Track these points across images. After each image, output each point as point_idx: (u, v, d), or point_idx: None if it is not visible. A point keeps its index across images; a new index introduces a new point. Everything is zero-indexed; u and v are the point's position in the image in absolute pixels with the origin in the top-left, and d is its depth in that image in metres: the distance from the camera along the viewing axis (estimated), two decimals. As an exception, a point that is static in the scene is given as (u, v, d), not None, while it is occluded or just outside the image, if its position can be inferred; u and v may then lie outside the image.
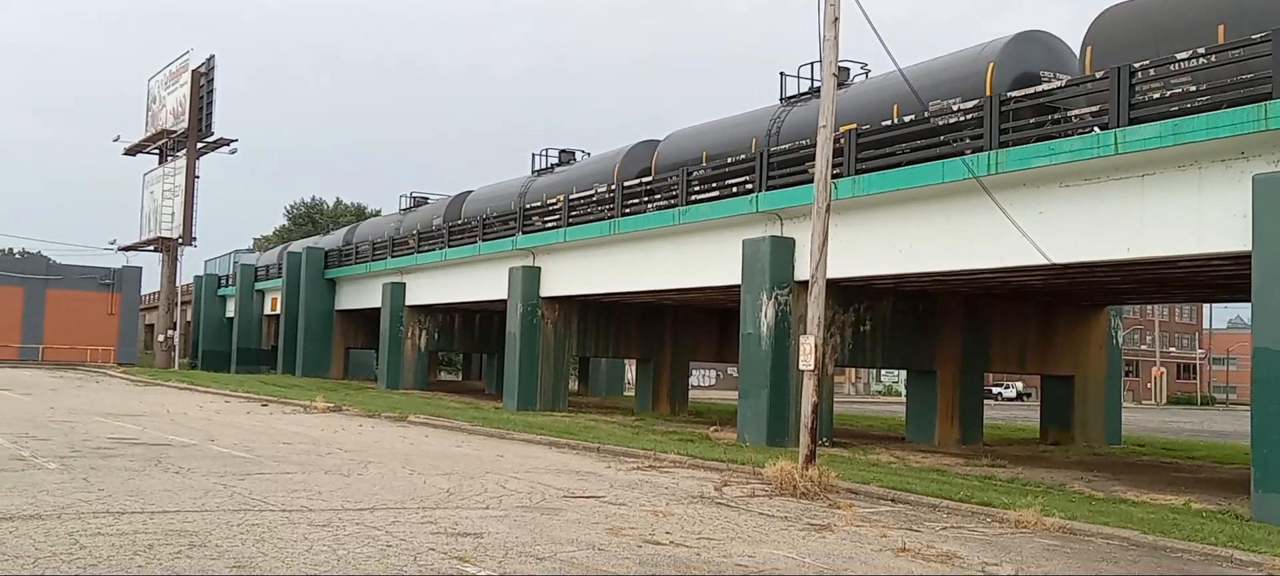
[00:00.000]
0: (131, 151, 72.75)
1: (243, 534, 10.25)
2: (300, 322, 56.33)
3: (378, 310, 50.45)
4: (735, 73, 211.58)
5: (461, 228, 42.38)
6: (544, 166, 41.02)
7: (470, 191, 46.07)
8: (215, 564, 8.83)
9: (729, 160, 27.14)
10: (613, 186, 31.90)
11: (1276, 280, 14.78)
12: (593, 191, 33.18)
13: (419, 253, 45.84)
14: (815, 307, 17.02)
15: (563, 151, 41.18)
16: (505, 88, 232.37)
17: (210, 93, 65.11)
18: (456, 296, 43.97)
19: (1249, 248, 15.24)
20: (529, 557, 9.79)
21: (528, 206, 37.33)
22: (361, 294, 53.61)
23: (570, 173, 38.03)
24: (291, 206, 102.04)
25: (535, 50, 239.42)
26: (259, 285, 66.36)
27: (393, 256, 48.79)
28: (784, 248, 24.76)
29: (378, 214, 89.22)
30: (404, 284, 48.22)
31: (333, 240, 59.98)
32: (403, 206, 53.52)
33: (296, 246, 62.94)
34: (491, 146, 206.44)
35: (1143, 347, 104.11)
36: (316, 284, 56.64)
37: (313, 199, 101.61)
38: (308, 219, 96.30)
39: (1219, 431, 43.90)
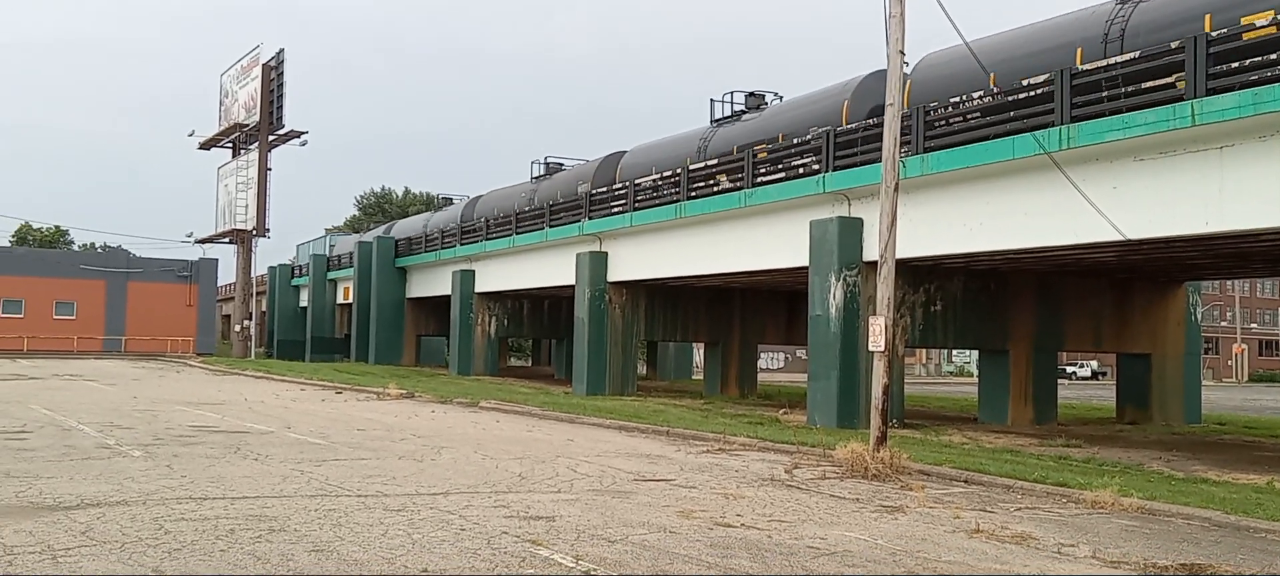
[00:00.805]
0: (206, 146, 74.26)
1: (320, 519, 10.45)
2: (372, 311, 57.12)
3: (448, 298, 50.99)
4: (801, 55, 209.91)
5: (530, 215, 42.63)
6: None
7: (624, 152, 42.48)
8: (294, 548, 9.02)
9: (796, 140, 27.00)
10: (678, 171, 31.89)
11: (1363, 252, 14.36)
12: (658, 176, 33.24)
13: (488, 239, 46.20)
14: (884, 288, 16.87)
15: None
16: (569, 70, 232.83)
17: (280, 86, 66.14)
18: (525, 282, 44.30)
19: (1334, 219, 14.83)
20: (601, 540, 9.86)
21: (594, 192, 37.48)
22: (431, 282, 54.21)
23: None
24: (362, 197, 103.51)
25: (598, 32, 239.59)
26: (331, 275, 67.37)
27: (462, 244, 49.24)
28: (852, 228, 24.57)
29: (450, 202, 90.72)
30: (473, 271, 48.66)
31: (449, 216, 57.00)
32: (535, 174, 50.00)
33: (409, 225, 62.43)
34: (558, 129, 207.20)
35: (1223, 324, 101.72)
36: (387, 272, 57.36)
37: (382, 188, 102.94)
38: (378, 209, 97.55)
39: (1304, 409, 42.79)
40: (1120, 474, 16.20)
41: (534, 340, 70.71)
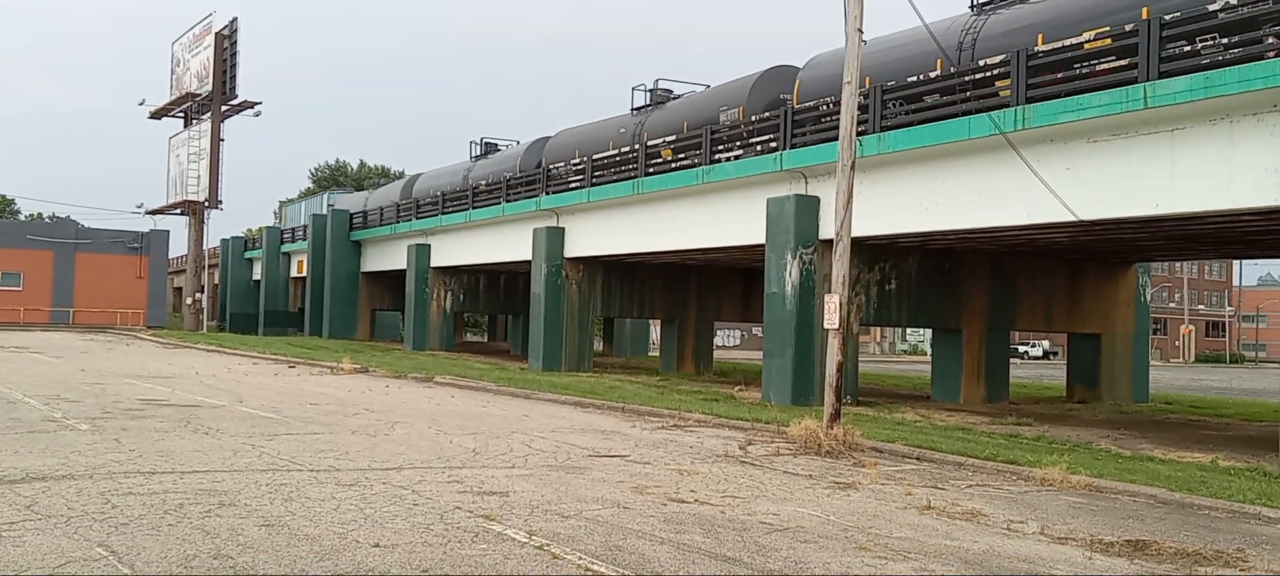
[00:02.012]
0: (157, 115, 73.10)
1: (272, 493, 10.35)
2: (326, 285, 56.64)
3: (403, 272, 50.65)
4: (760, 28, 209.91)
5: (486, 189, 42.44)
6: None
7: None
8: (244, 522, 8.93)
9: (754, 118, 27.02)
10: (636, 146, 31.84)
11: (1308, 235, 14.61)
12: (615, 151, 33.21)
13: (444, 214, 45.91)
14: (840, 266, 16.95)
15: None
16: (529, 46, 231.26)
17: (233, 55, 65.18)
18: (481, 258, 44.09)
19: (1280, 203, 15.07)
20: (554, 515, 9.85)
21: (552, 168, 37.38)
22: (387, 256, 53.82)
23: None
24: (316, 169, 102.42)
25: (560, 6, 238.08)
26: (285, 248, 66.68)
27: (418, 218, 48.92)
28: (808, 206, 24.65)
29: (403, 171, 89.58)
30: (429, 246, 48.36)
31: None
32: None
33: (353, 199, 62.12)
34: (516, 104, 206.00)
35: (1171, 305, 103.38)
36: (342, 246, 56.88)
37: (337, 161, 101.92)
38: (333, 181, 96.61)
39: (1248, 389, 43.64)
40: (1069, 452, 16.42)
41: (490, 316, 70.48)
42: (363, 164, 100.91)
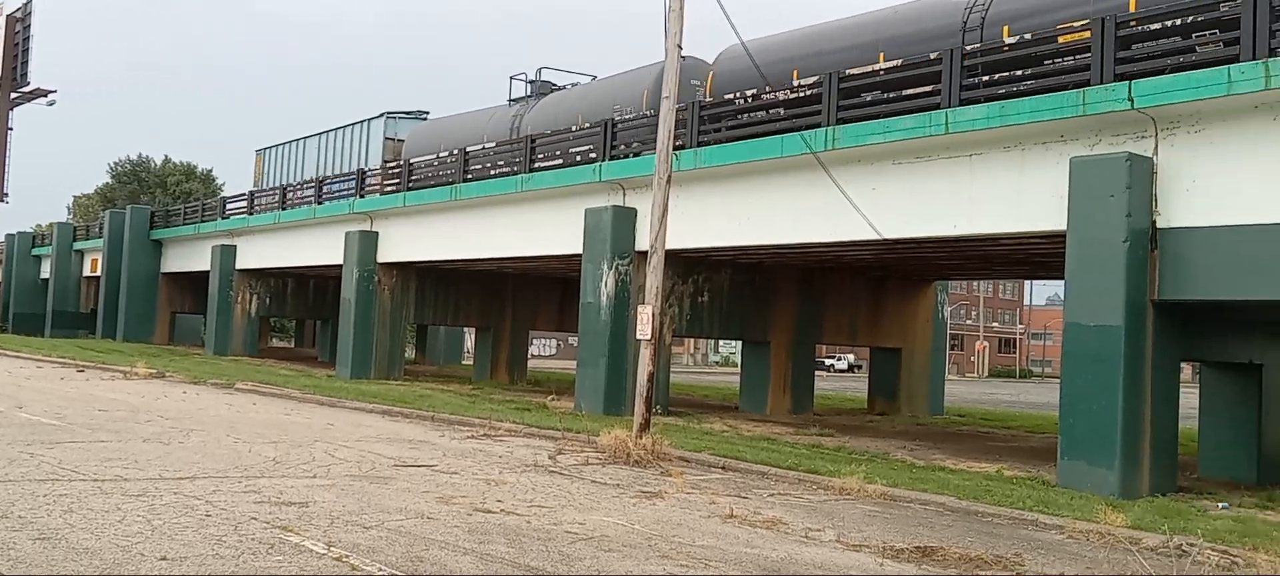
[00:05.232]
0: (-63, 99, 68.03)
1: (50, 505, 9.73)
2: (123, 285, 53.80)
3: (207, 273, 48.60)
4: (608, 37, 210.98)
5: (298, 188, 41.15)
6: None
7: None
8: (17, 536, 8.36)
9: (573, 129, 27.05)
10: (454, 152, 31.43)
11: (1087, 259, 15.56)
12: (434, 156, 32.68)
13: (252, 214, 44.30)
14: (654, 278, 17.13)
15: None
16: (354, 39, 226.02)
17: (26, 39, 61.19)
18: (291, 260, 42.67)
19: (1064, 227, 15.99)
20: (356, 526, 9.59)
21: (370, 171, 36.53)
22: (190, 256, 51.52)
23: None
24: (116, 163, 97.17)
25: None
26: (78, 245, 63.07)
27: (223, 218, 47.03)
28: (626, 217, 24.84)
29: (211, 170, 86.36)
30: (235, 247, 46.53)
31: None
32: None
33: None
34: (351, 101, 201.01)
35: (968, 322, 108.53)
36: (142, 245, 54.14)
37: (139, 156, 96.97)
38: (133, 177, 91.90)
39: (1033, 403, 46.18)
40: (867, 462, 17.02)
41: (299, 321, 68.31)
42: (167, 159, 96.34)
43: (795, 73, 21.74)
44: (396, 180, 33.93)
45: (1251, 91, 13.90)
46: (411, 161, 33.34)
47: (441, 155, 32.13)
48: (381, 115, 40.30)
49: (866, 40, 21.79)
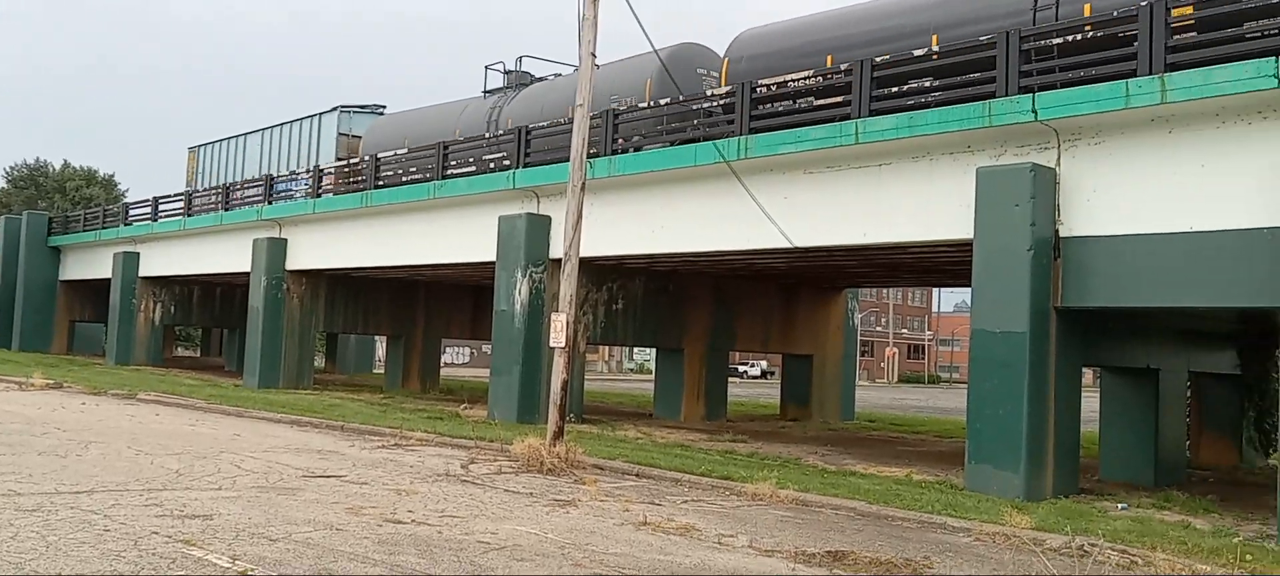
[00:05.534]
0: None
1: (-65, 520, 9.36)
2: (19, 293, 52.06)
3: (108, 281, 47.25)
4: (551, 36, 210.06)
5: (203, 195, 40.23)
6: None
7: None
8: (-101, 554, 8.02)
9: (486, 136, 26.87)
10: (367, 158, 30.98)
11: (993, 267, 15.90)
12: (345, 162, 32.18)
13: (155, 221, 43.19)
14: (568, 285, 17.08)
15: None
16: (273, 37, 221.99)
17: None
18: (197, 268, 41.66)
19: (971, 236, 16.31)
20: (262, 539, 9.38)
21: (277, 177, 35.84)
22: (90, 264, 50.04)
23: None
24: (12, 168, 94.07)
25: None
26: (-29, 251, 60.87)
27: (126, 225, 45.77)
28: (540, 225, 24.73)
29: (113, 176, 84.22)
30: (138, 254, 45.30)
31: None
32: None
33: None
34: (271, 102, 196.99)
35: (878, 329, 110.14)
36: (39, 251, 52.40)
37: (37, 160, 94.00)
38: (31, 182, 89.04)
39: (942, 408, 47.00)
40: (779, 467, 17.16)
41: (205, 330, 66.76)
42: (67, 164, 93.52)
43: (830, 59, 20.04)
44: (306, 187, 33.25)
45: (1148, 105, 14.34)
46: (322, 168, 32.73)
47: (399, 152, 30.16)
48: (335, 109, 38.36)
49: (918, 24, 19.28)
